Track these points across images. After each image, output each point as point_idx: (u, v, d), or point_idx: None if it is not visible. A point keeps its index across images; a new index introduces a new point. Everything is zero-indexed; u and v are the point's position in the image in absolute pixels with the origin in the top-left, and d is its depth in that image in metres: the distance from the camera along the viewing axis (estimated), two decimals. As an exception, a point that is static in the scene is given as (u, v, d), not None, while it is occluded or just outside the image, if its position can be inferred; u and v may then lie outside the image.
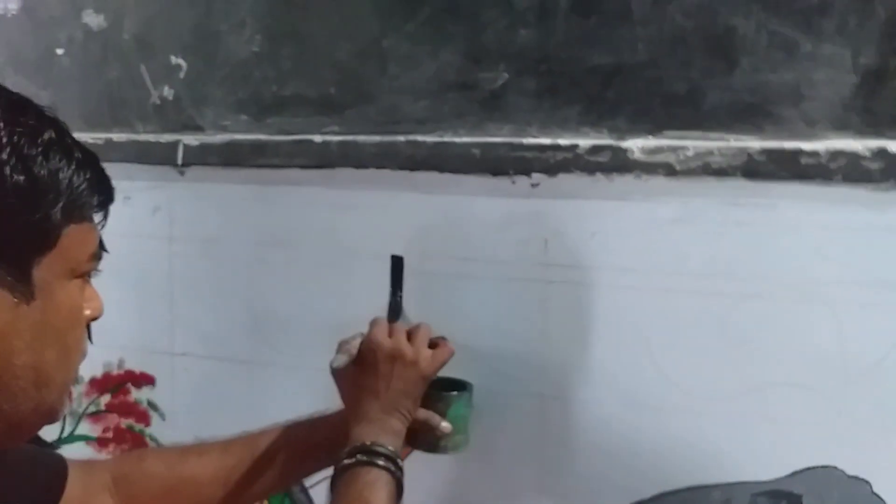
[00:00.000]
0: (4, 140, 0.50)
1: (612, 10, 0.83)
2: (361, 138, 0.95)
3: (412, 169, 0.92)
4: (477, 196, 0.90)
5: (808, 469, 0.79)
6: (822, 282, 0.77)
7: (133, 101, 1.09)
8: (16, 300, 0.51)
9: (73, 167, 0.54)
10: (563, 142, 0.85)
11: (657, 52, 0.82)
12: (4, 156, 0.50)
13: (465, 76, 0.90)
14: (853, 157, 0.75)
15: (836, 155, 0.76)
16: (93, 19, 1.10)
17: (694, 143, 0.80)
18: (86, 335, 0.59)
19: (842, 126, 0.77)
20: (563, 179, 0.85)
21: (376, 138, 0.94)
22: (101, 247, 0.59)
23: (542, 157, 0.86)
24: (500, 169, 0.88)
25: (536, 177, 0.87)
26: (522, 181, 0.87)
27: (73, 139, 0.57)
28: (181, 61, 1.05)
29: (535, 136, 0.87)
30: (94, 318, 0.60)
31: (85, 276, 0.58)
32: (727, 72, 0.80)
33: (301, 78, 0.98)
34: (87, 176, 0.55)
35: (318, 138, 0.97)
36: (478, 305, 0.91)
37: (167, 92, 1.06)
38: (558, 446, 0.88)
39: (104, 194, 0.58)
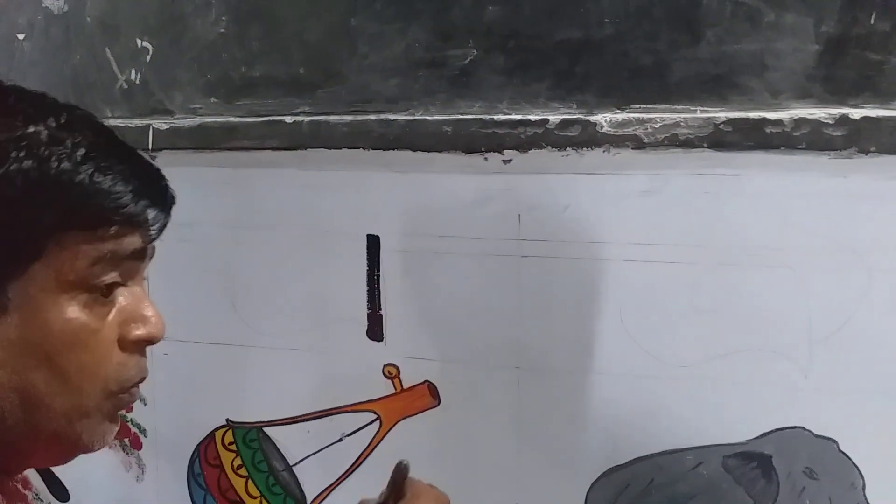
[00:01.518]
0: None
1: (578, -16, 0.83)
2: (333, 118, 0.95)
3: (384, 148, 0.92)
4: (450, 173, 0.90)
5: (777, 430, 0.81)
6: (787, 248, 0.79)
7: (99, 86, 1.07)
8: None
9: (74, 161, 0.47)
10: (533, 117, 0.86)
11: (623, 25, 0.82)
12: None
13: (435, 54, 0.90)
14: (816, 125, 0.77)
15: (799, 123, 0.77)
16: (53, 2, 1.07)
17: (661, 116, 0.81)
18: (114, 358, 0.51)
19: (805, 95, 0.78)
20: (535, 155, 0.86)
21: (347, 118, 0.94)
22: (139, 255, 0.52)
23: (513, 133, 0.87)
24: (472, 146, 0.88)
25: (508, 153, 0.87)
26: (494, 157, 0.88)
27: (89, 126, 0.50)
28: (147, 44, 1.03)
29: (505, 113, 0.88)
30: (148, 342, 0.52)
31: (101, 289, 0.50)
32: (692, 44, 0.80)
33: (270, 59, 0.98)
34: (104, 172, 0.48)
35: (289, 119, 0.97)
36: (454, 281, 0.92)
37: (134, 76, 1.05)
38: (535, 416, 0.90)
39: (142, 196, 0.50)
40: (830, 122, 0.76)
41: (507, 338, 0.90)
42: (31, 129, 0.47)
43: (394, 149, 0.92)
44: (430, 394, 0.95)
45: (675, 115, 0.81)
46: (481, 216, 0.90)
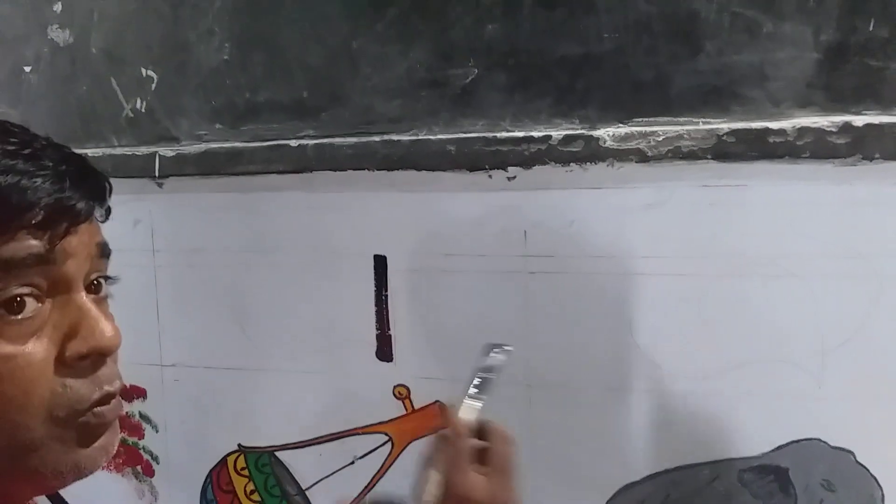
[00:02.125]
0: None
1: (576, 1, 0.84)
2: (337, 140, 0.95)
3: (389, 168, 0.93)
4: (455, 192, 0.90)
5: (793, 443, 0.80)
6: (795, 257, 0.79)
7: (106, 115, 1.08)
8: None
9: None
10: (536, 134, 0.86)
11: (623, 40, 0.83)
12: None
13: (436, 73, 0.90)
14: (819, 133, 0.77)
15: (802, 132, 0.77)
16: (59, 35, 1.09)
17: (664, 129, 0.81)
18: (51, 382, 0.45)
19: (807, 103, 0.78)
20: (539, 171, 0.86)
21: (352, 140, 0.94)
22: (43, 260, 0.45)
23: (516, 150, 0.87)
24: (476, 164, 0.89)
25: (512, 170, 0.87)
26: (499, 175, 0.88)
27: None
28: (152, 73, 1.05)
29: (508, 130, 0.88)
30: (92, 355, 0.46)
31: (8, 306, 0.44)
32: (692, 56, 0.81)
33: (273, 83, 0.99)
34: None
35: (293, 143, 0.97)
36: (462, 299, 0.92)
37: (140, 104, 1.06)
38: (548, 434, 0.89)
39: (42, 192, 0.45)
40: (833, 129, 0.76)
41: (516, 355, 0.90)
42: None
43: (398, 169, 0.92)
44: (441, 414, 0.94)
45: (677, 128, 0.81)
46: (487, 233, 0.90)
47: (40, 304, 0.45)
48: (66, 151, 0.49)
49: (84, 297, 0.47)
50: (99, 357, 0.47)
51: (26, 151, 0.46)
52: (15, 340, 0.44)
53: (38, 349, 0.44)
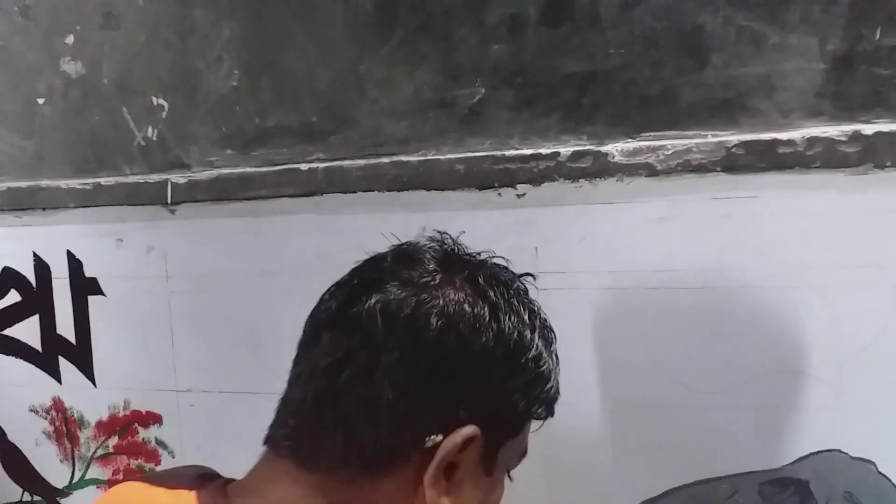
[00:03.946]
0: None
1: (581, 17, 0.84)
2: (347, 163, 0.96)
3: (399, 189, 0.93)
4: (465, 211, 0.90)
5: (813, 454, 0.79)
6: (809, 268, 0.78)
7: (118, 144, 1.09)
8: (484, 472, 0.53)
9: (556, 362, 0.57)
10: (544, 151, 0.86)
11: (629, 55, 0.83)
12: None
13: (444, 94, 0.91)
14: (829, 142, 0.76)
15: (812, 142, 0.77)
16: (71, 66, 1.11)
17: (672, 142, 0.81)
18: None
19: (815, 113, 0.78)
20: (548, 188, 0.86)
21: (361, 162, 0.95)
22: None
23: (525, 168, 0.87)
24: (485, 182, 0.89)
25: (521, 187, 0.88)
26: (508, 193, 0.88)
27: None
28: (162, 101, 1.06)
29: (516, 148, 0.88)
30: None
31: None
32: (699, 69, 0.81)
33: (282, 108, 0.99)
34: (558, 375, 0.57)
35: (304, 167, 0.98)
36: (475, 318, 0.92)
37: (151, 132, 1.07)
38: (565, 452, 0.89)
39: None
40: (843, 139, 0.76)
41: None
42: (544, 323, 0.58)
43: (408, 189, 0.93)
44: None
45: (686, 141, 0.81)
46: (498, 251, 0.89)
47: None
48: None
49: None
50: None
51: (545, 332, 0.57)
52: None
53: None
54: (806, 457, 0.80)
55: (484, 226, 0.90)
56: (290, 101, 0.99)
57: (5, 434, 1.21)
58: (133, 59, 1.07)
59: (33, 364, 1.18)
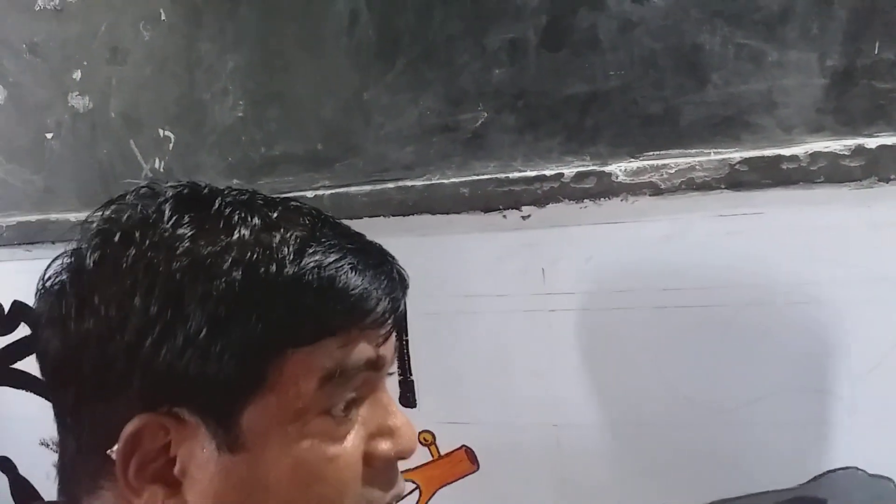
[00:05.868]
0: None
1: (580, 40, 0.85)
2: (352, 189, 0.96)
3: (404, 214, 0.93)
4: (470, 233, 0.91)
5: (830, 472, 0.78)
6: (818, 283, 0.78)
7: (126, 177, 1.11)
8: (218, 450, 0.41)
9: (280, 262, 0.42)
10: (548, 172, 0.87)
11: (629, 76, 0.84)
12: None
13: (447, 119, 0.92)
14: (832, 157, 0.76)
15: (815, 157, 0.77)
16: (79, 101, 1.12)
17: (675, 161, 0.81)
18: (358, 484, 0.44)
19: (818, 128, 0.78)
20: (553, 209, 0.86)
21: (367, 188, 0.96)
22: (375, 365, 0.44)
23: (529, 190, 0.87)
24: (490, 205, 0.89)
25: (526, 209, 0.88)
26: (513, 215, 0.89)
27: (298, 217, 0.45)
28: (169, 133, 1.07)
29: (520, 170, 0.89)
30: (396, 458, 0.47)
31: (337, 411, 0.43)
32: (700, 88, 0.81)
33: (288, 137, 1.00)
34: (320, 270, 0.42)
35: (310, 194, 0.98)
36: (483, 340, 0.91)
37: (158, 164, 1.08)
38: (577, 473, 0.88)
39: (370, 289, 0.44)
40: (846, 153, 0.76)
41: (542, 394, 0.89)
42: (235, 236, 0.42)
43: (413, 214, 0.93)
44: (468, 459, 0.93)
45: (689, 160, 0.81)
46: (505, 273, 0.90)
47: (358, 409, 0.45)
48: (373, 242, 0.48)
49: (388, 396, 0.47)
50: (399, 459, 0.47)
51: (354, 246, 0.45)
52: (337, 442, 0.43)
53: (353, 448, 0.44)
54: (822, 475, 0.78)
55: (490, 248, 0.90)
56: (295, 130, 1.00)
57: (16, 468, 1.21)
58: (139, 92, 1.08)
59: (43, 397, 1.18)
